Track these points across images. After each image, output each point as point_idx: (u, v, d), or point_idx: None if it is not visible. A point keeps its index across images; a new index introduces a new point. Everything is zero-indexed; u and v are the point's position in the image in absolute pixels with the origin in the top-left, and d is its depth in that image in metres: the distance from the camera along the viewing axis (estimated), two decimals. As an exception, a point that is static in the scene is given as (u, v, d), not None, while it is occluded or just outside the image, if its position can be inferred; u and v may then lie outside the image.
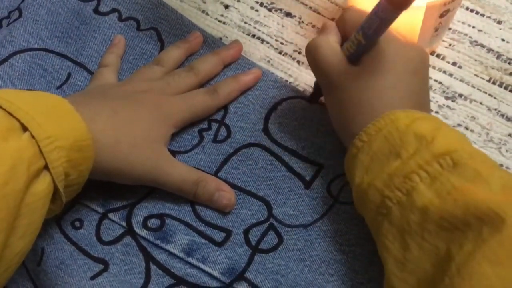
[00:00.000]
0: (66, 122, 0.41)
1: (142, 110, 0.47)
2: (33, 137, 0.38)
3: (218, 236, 0.46)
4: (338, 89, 0.44)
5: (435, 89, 0.52)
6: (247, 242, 0.46)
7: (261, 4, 0.58)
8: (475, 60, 0.54)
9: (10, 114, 0.38)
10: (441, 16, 0.48)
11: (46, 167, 0.39)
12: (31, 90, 0.46)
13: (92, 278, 0.45)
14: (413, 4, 0.39)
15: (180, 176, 0.47)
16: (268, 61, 0.55)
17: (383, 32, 0.42)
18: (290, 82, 0.54)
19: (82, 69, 0.55)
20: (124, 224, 0.47)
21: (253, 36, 0.57)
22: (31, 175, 0.38)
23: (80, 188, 0.43)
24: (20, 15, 0.58)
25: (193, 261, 0.45)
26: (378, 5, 0.40)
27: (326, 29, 0.47)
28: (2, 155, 0.36)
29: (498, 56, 0.54)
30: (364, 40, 0.43)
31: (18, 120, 0.38)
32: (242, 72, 0.53)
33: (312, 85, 0.53)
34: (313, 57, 0.46)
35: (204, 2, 0.59)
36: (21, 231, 0.38)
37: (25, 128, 0.38)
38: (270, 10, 0.58)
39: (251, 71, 0.53)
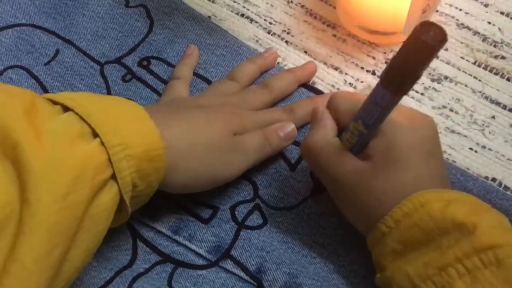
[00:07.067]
0: (138, 129, 0.39)
1: (219, 116, 0.45)
2: (102, 144, 0.36)
3: (205, 213, 0.47)
4: (348, 188, 0.40)
5: (421, 71, 0.53)
6: (234, 218, 0.47)
7: (250, -17, 0.58)
8: (461, 43, 0.54)
9: (82, 118, 0.36)
10: (429, -2, 0.48)
11: (113, 176, 0.37)
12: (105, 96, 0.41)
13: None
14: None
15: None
16: (257, 41, 0.55)
17: (385, 118, 0.38)
18: (278, 63, 0.54)
19: (70, 46, 0.55)
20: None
21: (242, 15, 0.57)
22: (96, 186, 0.35)
23: (148, 199, 0.41)
24: (7, -10, 0.57)
25: (180, 239, 0.46)
26: (375, 93, 0.37)
27: (320, 122, 0.43)
28: (67, 163, 0.34)
29: (484, 39, 0.54)
30: (365, 130, 0.39)
31: (89, 125, 0.36)
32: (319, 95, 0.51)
33: (301, 62, 0.53)
34: (313, 160, 0.42)
35: (193, -20, 0.59)
36: (84, 245, 0.36)
37: (95, 134, 0.36)
38: (259, -11, 0.58)
39: (326, 94, 0.51)
